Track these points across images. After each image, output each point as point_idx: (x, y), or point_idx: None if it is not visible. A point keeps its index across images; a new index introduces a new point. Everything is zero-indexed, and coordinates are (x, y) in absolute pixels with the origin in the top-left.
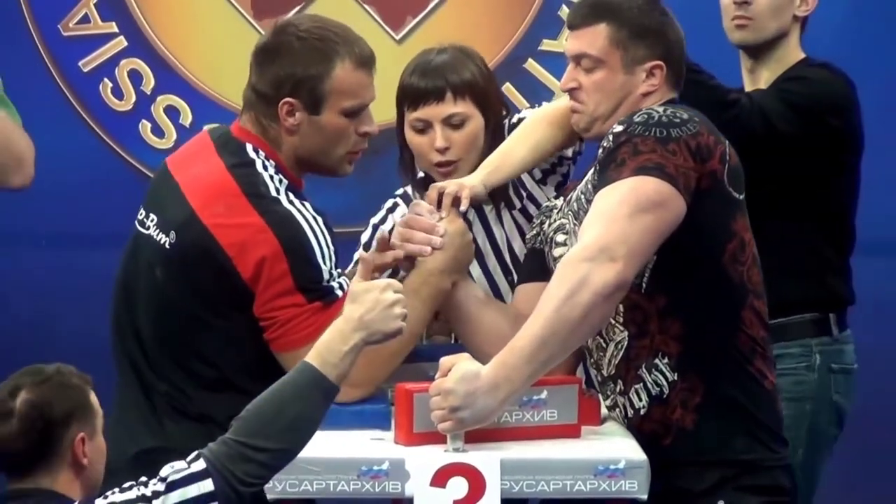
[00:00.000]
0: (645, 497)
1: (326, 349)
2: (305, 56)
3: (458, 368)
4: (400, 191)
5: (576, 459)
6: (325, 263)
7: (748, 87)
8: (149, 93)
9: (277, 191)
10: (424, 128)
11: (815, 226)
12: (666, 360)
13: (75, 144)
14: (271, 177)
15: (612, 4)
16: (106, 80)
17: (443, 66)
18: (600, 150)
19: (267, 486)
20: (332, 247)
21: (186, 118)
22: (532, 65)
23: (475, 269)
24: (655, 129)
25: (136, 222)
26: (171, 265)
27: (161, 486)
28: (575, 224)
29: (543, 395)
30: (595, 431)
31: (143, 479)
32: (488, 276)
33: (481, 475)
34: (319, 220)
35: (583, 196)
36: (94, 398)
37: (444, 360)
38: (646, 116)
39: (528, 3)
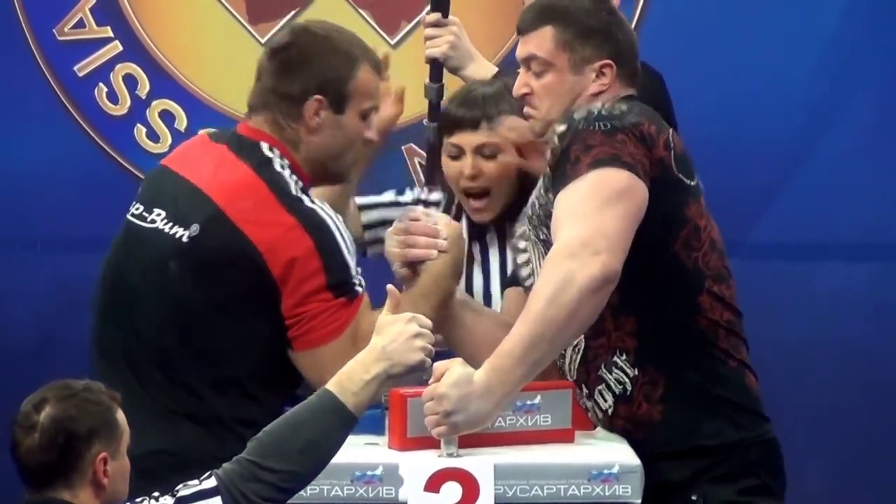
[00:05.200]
0: (639, 501)
1: (347, 378)
2: (333, 56)
3: (452, 373)
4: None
5: (570, 464)
6: (351, 259)
7: None
8: (144, 97)
9: (296, 190)
10: (458, 154)
11: None
12: (624, 357)
13: (70, 149)
14: (290, 175)
15: (557, 7)
16: (101, 84)
17: (484, 96)
18: (548, 154)
19: None
20: (353, 244)
21: (181, 123)
22: None
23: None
24: (598, 123)
25: (131, 216)
26: (191, 258)
27: (170, 501)
28: (529, 229)
29: (537, 399)
30: (589, 436)
31: (156, 493)
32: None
33: (475, 480)
34: (339, 217)
35: (536, 201)
36: (121, 417)
37: (438, 365)
38: (585, 112)
39: (521, 9)
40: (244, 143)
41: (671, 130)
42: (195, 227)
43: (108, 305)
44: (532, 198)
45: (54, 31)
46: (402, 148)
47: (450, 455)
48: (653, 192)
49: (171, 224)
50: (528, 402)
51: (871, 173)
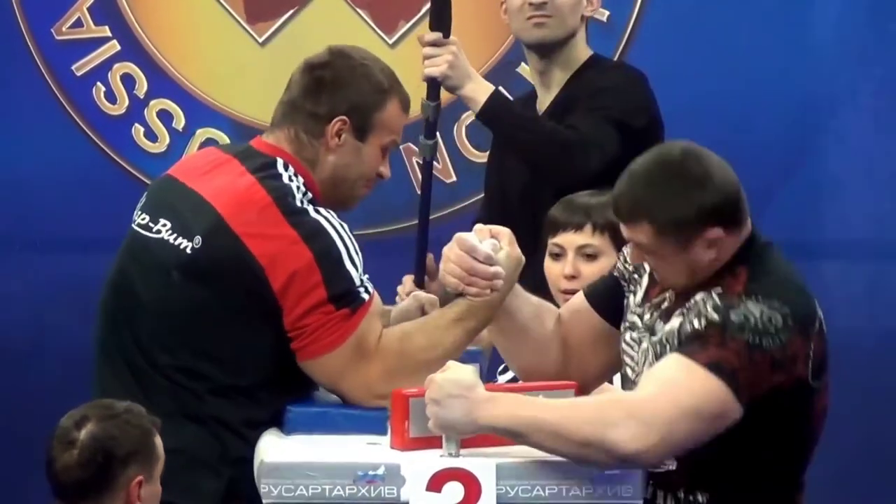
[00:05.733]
0: (640, 502)
1: None
2: (366, 83)
3: (458, 370)
4: None
5: (572, 464)
6: (355, 269)
7: (539, 89)
8: (142, 97)
9: (302, 202)
10: (560, 254)
11: None
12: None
13: (68, 149)
14: (298, 188)
15: (646, 201)
16: (99, 84)
17: (589, 203)
18: (693, 317)
19: (263, 490)
20: (359, 252)
21: (179, 122)
22: (525, 69)
23: None
24: (749, 335)
25: (137, 227)
26: (194, 269)
27: None
28: (643, 337)
29: (539, 399)
30: None
31: None
32: None
33: (477, 480)
34: (345, 225)
35: (666, 343)
36: (159, 442)
37: (453, 363)
38: (743, 318)
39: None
40: (255, 156)
41: (818, 324)
42: (198, 239)
43: (112, 309)
44: (663, 330)
45: (52, 30)
46: (400, 147)
47: (451, 455)
48: (780, 398)
49: (175, 235)
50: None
51: (871, 173)
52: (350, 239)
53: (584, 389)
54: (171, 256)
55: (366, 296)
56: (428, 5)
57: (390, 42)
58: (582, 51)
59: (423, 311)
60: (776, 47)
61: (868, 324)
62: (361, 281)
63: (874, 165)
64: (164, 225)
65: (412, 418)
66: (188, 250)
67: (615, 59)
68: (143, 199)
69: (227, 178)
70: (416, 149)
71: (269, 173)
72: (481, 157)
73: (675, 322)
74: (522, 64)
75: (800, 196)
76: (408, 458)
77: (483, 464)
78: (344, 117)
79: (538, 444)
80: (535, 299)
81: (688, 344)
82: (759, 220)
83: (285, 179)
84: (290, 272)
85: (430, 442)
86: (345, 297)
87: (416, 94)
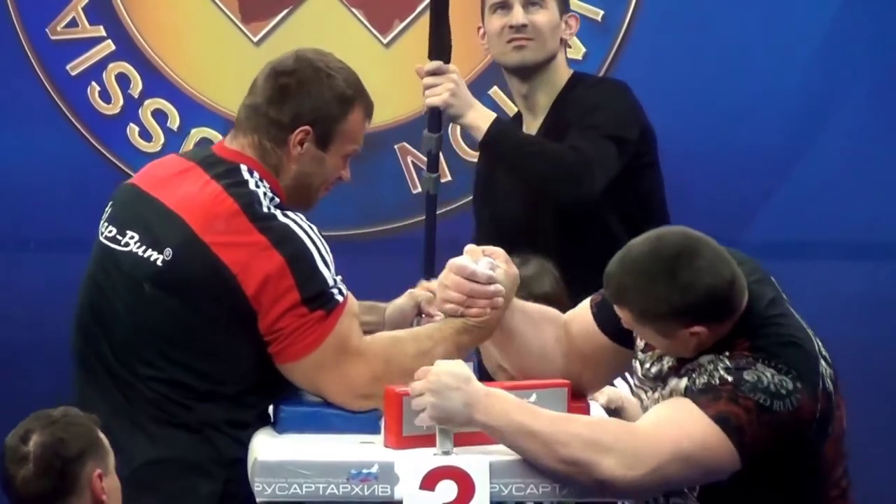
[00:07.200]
0: (632, 499)
1: None
2: (331, 94)
3: (454, 363)
4: None
5: None
6: (328, 270)
7: (525, 113)
8: (136, 96)
9: (269, 207)
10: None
11: (638, 219)
12: None
13: (63, 148)
14: (264, 194)
15: (628, 290)
16: (94, 83)
17: None
18: (705, 376)
19: (256, 489)
20: (330, 253)
21: (174, 122)
22: (496, 92)
23: None
24: (761, 395)
25: (105, 239)
26: (166, 281)
27: None
28: (657, 386)
29: (533, 397)
30: None
31: None
32: None
33: (470, 478)
34: (315, 227)
35: (665, 395)
36: (103, 437)
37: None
38: (756, 377)
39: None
40: (219, 163)
41: (821, 382)
42: (168, 252)
43: (87, 321)
44: (662, 362)
45: (47, 30)
46: (396, 147)
47: (445, 453)
48: (784, 455)
49: (145, 248)
50: (525, 400)
51: (865, 172)
52: (320, 241)
53: (591, 389)
54: (142, 270)
55: (340, 297)
56: (423, 5)
57: (385, 42)
58: (563, 72)
59: (419, 309)
60: (772, 46)
61: (862, 323)
62: (335, 282)
63: (872, 166)
64: (133, 238)
65: (406, 417)
66: (159, 262)
67: (610, 58)
68: (107, 210)
69: (193, 186)
70: (412, 149)
71: (235, 180)
72: (476, 157)
73: (682, 383)
74: (495, 87)
75: (797, 196)
76: (401, 456)
77: (477, 462)
78: (307, 127)
79: (524, 450)
80: (534, 311)
81: (700, 394)
82: (756, 221)
83: (251, 185)
84: (262, 277)
85: (424, 440)
86: (318, 299)
87: (411, 93)
